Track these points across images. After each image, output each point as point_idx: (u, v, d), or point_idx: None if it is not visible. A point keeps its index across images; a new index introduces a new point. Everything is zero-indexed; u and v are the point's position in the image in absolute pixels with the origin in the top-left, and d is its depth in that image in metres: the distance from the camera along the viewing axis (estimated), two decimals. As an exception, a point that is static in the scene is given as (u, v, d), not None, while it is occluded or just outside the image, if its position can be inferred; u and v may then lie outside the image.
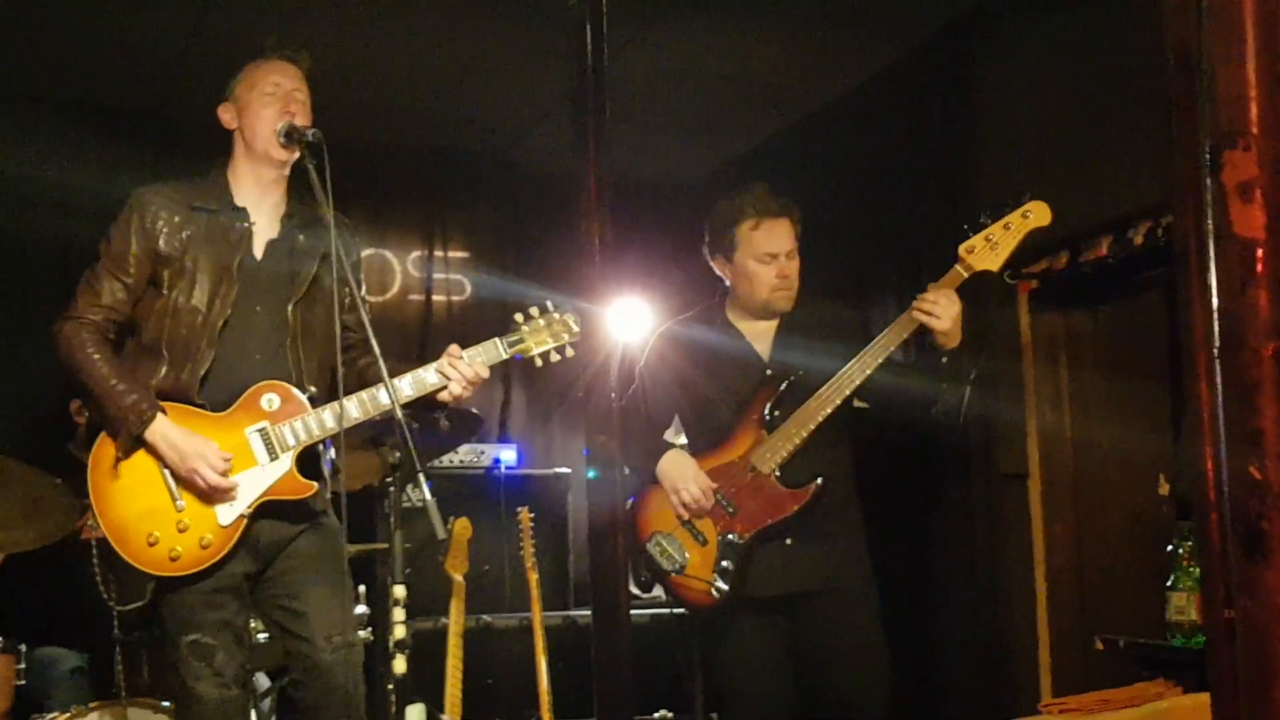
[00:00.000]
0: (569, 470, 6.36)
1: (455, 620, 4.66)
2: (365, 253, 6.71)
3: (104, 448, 3.46)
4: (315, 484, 3.57)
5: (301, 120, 3.63)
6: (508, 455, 6.25)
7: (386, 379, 3.43)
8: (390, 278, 6.88)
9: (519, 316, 3.76)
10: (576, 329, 3.75)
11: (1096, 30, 4.58)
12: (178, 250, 3.54)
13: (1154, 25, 1.78)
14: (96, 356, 3.47)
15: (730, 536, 4.02)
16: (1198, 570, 3.92)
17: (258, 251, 3.64)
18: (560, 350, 3.77)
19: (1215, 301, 1.56)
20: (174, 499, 3.44)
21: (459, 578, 4.73)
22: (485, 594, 5.45)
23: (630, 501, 4.22)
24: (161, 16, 5.16)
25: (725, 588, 4.01)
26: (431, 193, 6.98)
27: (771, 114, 6.33)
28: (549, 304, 3.78)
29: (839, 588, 4.07)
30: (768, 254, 4.16)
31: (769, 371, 4.14)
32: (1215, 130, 1.54)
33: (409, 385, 3.59)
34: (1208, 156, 1.53)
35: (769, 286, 4.17)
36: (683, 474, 4.10)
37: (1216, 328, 1.56)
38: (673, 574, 4.10)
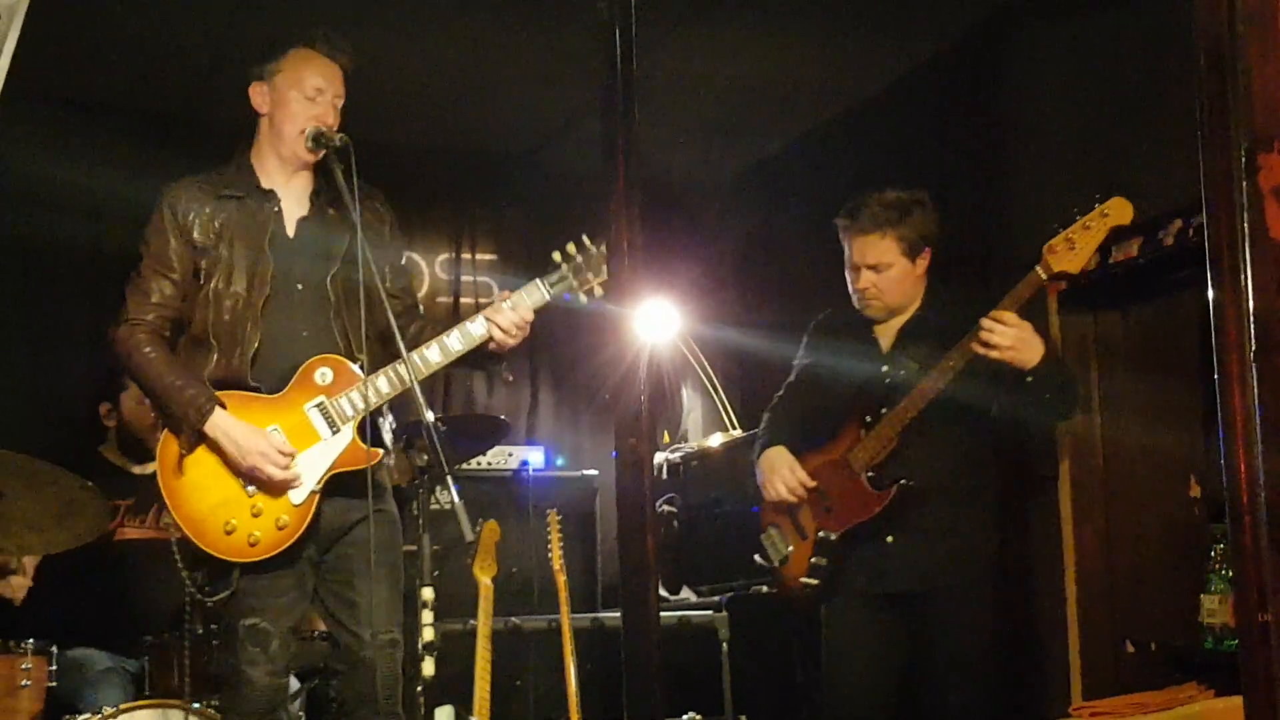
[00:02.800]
0: (596, 472, 6.36)
1: (484, 622, 4.66)
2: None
3: (168, 445, 3.50)
4: (379, 450, 3.57)
5: (331, 123, 3.64)
6: (535, 457, 6.25)
7: (404, 352, 3.43)
8: (418, 280, 6.88)
9: (556, 255, 3.75)
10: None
11: (1126, 30, 4.56)
12: (212, 239, 3.58)
13: (1185, 24, 1.77)
14: (153, 355, 3.50)
15: (823, 533, 4.06)
16: (1230, 573, 3.90)
17: (290, 230, 3.67)
18: (605, 285, 3.74)
19: (1250, 305, 1.54)
20: (244, 485, 3.47)
21: (487, 580, 4.74)
22: (513, 596, 5.44)
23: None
24: (192, 20, 5.19)
25: (815, 583, 4.06)
26: (459, 195, 6.99)
27: (800, 116, 6.32)
28: (584, 239, 3.77)
29: (946, 586, 4.03)
30: (852, 264, 4.18)
31: (883, 368, 4.14)
32: (1251, 133, 1.53)
33: (457, 340, 3.60)
34: (1243, 160, 1.52)
35: (854, 294, 4.19)
36: (772, 470, 4.17)
37: (1251, 331, 1.55)
38: (777, 565, 4.19)
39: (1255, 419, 1.56)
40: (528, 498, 5.88)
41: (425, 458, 4.22)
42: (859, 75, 5.83)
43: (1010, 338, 3.82)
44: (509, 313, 3.62)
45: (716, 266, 6.99)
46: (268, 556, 3.46)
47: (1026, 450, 4.84)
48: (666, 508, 6.15)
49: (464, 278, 6.98)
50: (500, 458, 6.12)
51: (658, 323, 6.35)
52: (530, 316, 3.65)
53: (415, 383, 3.44)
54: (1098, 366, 4.92)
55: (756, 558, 4.30)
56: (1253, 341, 1.54)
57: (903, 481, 3.98)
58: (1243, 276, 1.55)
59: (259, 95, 3.69)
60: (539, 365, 7.07)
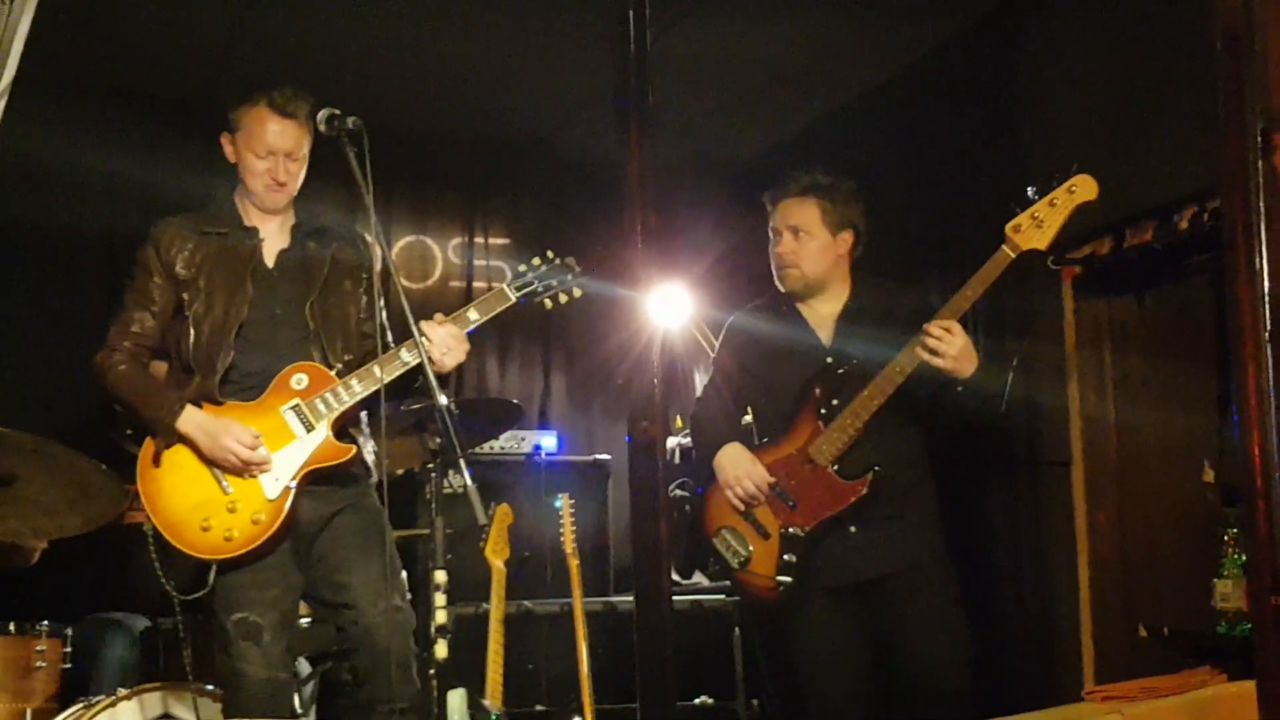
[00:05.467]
0: (609, 457, 6.36)
1: (496, 606, 4.67)
2: (407, 239, 6.80)
3: (147, 453, 3.64)
4: (353, 446, 3.70)
5: (290, 187, 3.78)
6: (548, 442, 6.26)
7: (416, 332, 3.53)
8: (431, 264, 6.90)
9: (522, 267, 3.86)
10: (579, 267, 3.87)
11: (1143, 12, 4.54)
12: (193, 272, 3.73)
13: (1201, 8, 1.76)
14: (126, 370, 3.69)
15: (791, 530, 4.00)
16: (1244, 557, 3.89)
17: (270, 261, 3.81)
18: (568, 290, 3.86)
19: (1265, 287, 1.54)
20: (220, 483, 3.59)
21: (500, 563, 4.75)
22: (526, 580, 5.45)
23: (698, 493, 4.25)
24: (207, 5, 5.19)
25: (788, 580, 3.99)
26: (473, 179, 6.99)
27: (816, 98, 6.29)
28: (549, 253, 3.88)
29: (908, 567, 4.02)
30: (774, 229, 4.18)
31: (829, 360, 4.11)
32: (1267, 113, 1.52)
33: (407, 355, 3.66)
34: (1259, 140, 1.51)
35: (774, 265, 4.17)
36: (736, 468, 4.09)
37: (1266, 313, 1.54)
38: (736, 567, 4.09)
39: (1270, 402, 1.56)
40: (540, 481, 5.89)
41: (438, 441, 4.25)
42: (875, 58, 5.80)
43: (956, 348, 3.81)
44: (437, 328, 3.67)
45: (730, 250, 6.97)
46: (244, 552, 3.56)
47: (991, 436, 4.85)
48: (679, 492, 6.15)
49: (477, 262, 6.98)
50: (513, 442, 6.14)
51: (671, 307, 6.34)
52: (455, 329, 3.70)
53: (428, 362, 3.50)
54: (1112, 351, 4.91)
55: (713, 562, 4.23)
56: (1268, 324, 1.54)
57: (876, 469, 3.96)
58: (1258, 259, 1.54)
59: (227, 146, 3.85)
60: (552, 350, 7.07)
